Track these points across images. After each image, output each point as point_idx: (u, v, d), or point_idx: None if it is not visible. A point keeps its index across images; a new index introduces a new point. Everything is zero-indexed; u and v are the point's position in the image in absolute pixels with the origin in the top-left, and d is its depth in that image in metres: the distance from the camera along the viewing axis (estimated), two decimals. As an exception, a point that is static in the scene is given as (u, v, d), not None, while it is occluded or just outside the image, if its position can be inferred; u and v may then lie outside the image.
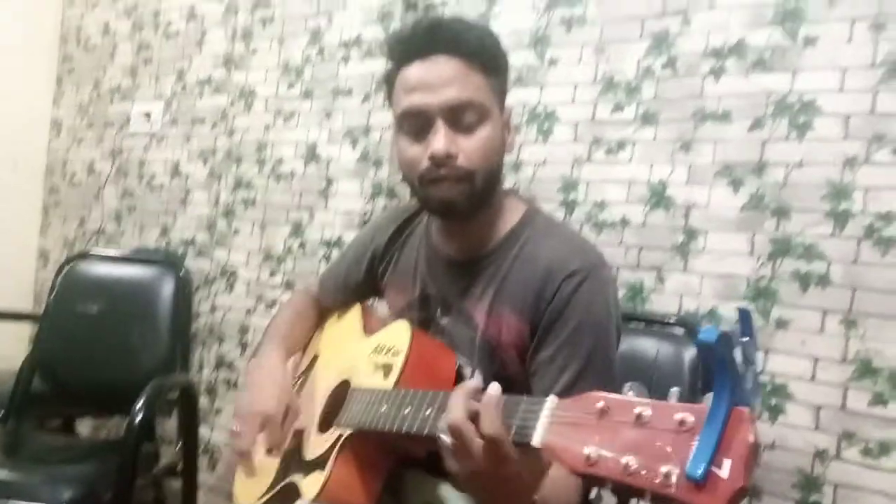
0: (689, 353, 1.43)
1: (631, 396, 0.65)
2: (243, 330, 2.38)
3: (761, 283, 1.53)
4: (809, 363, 1.48)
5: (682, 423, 0.59)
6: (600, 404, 0.66)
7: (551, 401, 0.71)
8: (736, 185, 1.58)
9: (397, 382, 1.04)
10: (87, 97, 2.99)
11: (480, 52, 1.03)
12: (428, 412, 0.92)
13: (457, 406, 0.77)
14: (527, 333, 1.05)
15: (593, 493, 0.64)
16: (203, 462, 2.43)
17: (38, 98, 3.08)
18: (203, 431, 2.39)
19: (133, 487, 1.65)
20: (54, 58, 3.10)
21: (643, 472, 0.59)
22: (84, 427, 2.76)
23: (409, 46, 1.05)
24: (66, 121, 3.07)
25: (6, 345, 2.32)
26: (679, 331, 1.54)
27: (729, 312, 1.56)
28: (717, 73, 1.61)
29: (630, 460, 0.60)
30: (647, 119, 1.69)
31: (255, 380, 1.25)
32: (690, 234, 1.63)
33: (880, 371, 1.40)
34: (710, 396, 0.58)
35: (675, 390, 0.63)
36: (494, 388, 0.76)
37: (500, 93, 1.07)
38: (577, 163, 1.79)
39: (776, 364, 1.51)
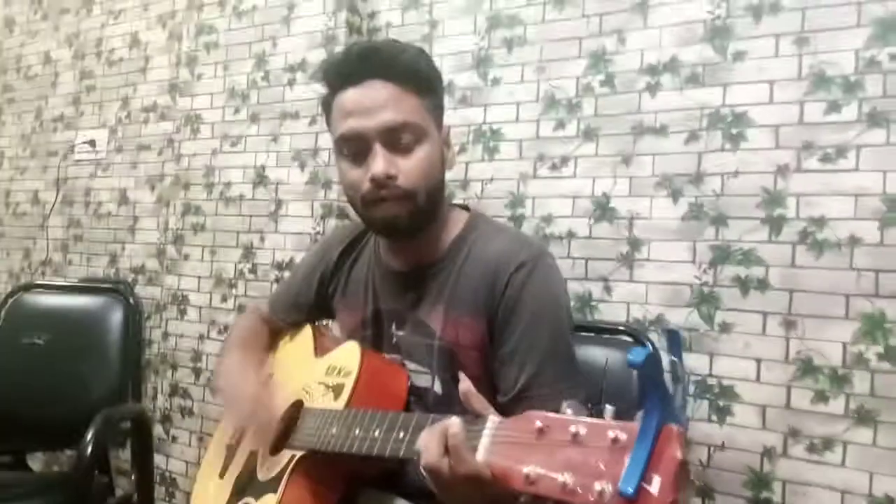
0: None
1: (568, 415, 0.67)
2: (197, 356, 2.35)
3: (704, 290, 1.58)
4: (754, 364, 1.53)
5: (615, 440, 0.61)
6: (538, 423, 0.68)
7: (492, 421, 0.74)
8: (675, 195, 1.62)
9: (348, 403, 1.06)
10: (30, 127, 2.94)
11: (413, 75, 1.06)
12: (376, 433, 0.94)
13: (430, 448, 0.78)
14: (484, 331, 1.08)
15: (533, 511, 0.66)
16: (160, 491, 2.39)
17: (-22, 129, 3.01)
18: (159, 460, 2.35)
19: (87, 524, 1.62)
20: (-7, 89, 3.04)
21: (579, 490, 0.61)
22: (36, 462, 2.69)
23: (343, 72, 1.08)
24: (8, 151, 3.01)
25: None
26: (627, 339, 1.57)
27: (675, 318, 1.61)
28: (653, 88, 1.66)
29: (567, 478, 0.63)
30: (589, 135, 1.74)
31: (229, 378, 1.26)
32: (634, 244, 1.67)
33: (820, 369, 1.46)
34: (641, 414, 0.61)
35: (609, 408, 0.65)
36: (455, 424, 0.76)
37: (436, 111, 1.10)
38: (522, 179, 1.82)
39: (722, 367, 1.55)
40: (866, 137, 1.44)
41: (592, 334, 1.59)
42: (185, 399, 2.35)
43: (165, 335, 2.46)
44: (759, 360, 1.52)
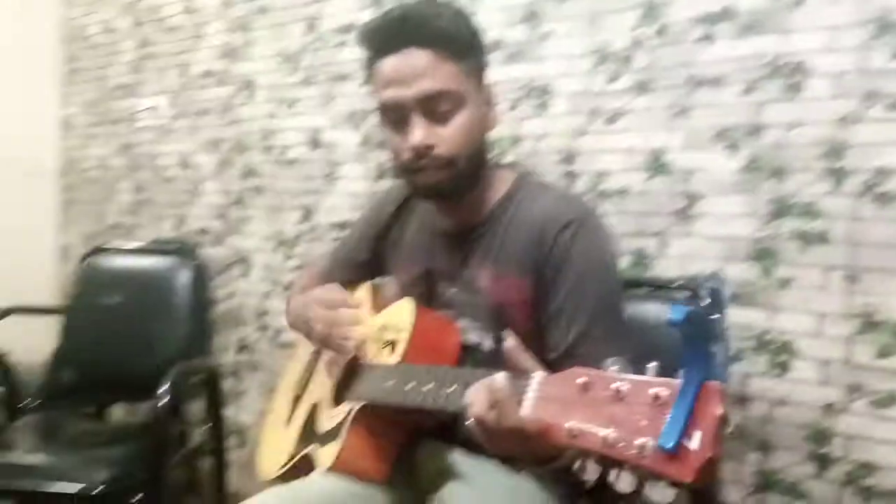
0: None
1: (612, 372, 0.68)
2: (261, 314, 2.44)
3: (763, 244, 1.55)
4: (814, 319, 1.50)
5: (656, 397, 0.63)
6: (582, 380, 0.69)
7: (537, 377, 0.76)
8: (733, 148, 1.59)
9: (402, 358, 1.09)
10: (95, 95, 3.04)
11: (451, 40, 1.06)
12: (429, 387, 0.97)
13: (479, 401, 0.81)
14: (532, 288, 1.09)
15: (577, 464, 0.68)
16: (232, 441, 2.51)
17: (46, 99, 3.13)
18: (230, 412, 2.46)
19: (164, 467, 1.72)
20: (58, 58, 3.15)
21: (620, 445, 0.63)
22: (117, 413, 2.85)
23: (381, 40, 1.08)
24: (77, 119, 3.12)
25: (36, 339, 2.40)
26: (683, 295, 1.56)
27: (733, 273, 1.58)
28: (708, 38, 1.61)
29: (609, 433, 0.64)
30: (642, 88, 1.70)
31: (305, 303, 1.29)
32: (691, 198, 1.64)
33: (884, 324, 1.42)
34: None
35: (652, 365, 0.67)
36: (501, 379, 0.79)
37: (476, 73, 1.11)
38: (574, 135, 1.80)
39: (781, 322, 1.53)
40: (936, 83, 1.37)
41: (647, 290, 1.58)
42: (252, 354, 2.45)
43: (231, 294, 2.55)
44: (819, 315, 1.49)
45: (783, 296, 1.53)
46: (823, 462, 1.48)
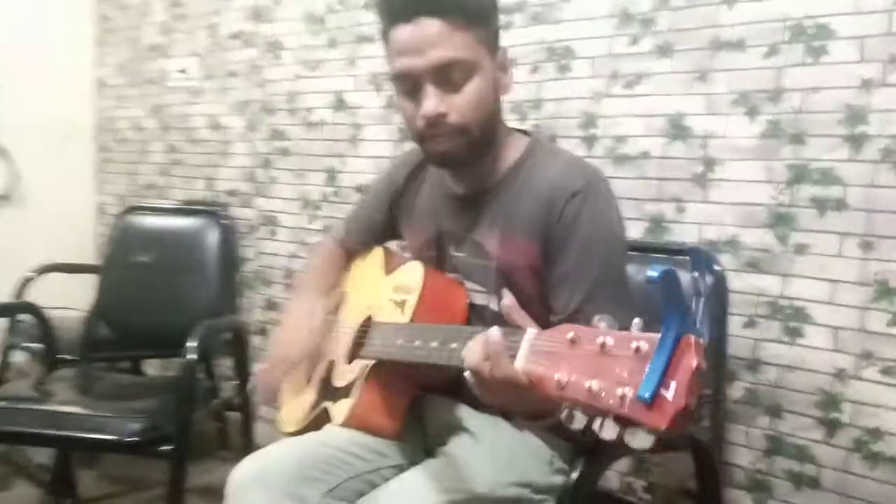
0: (706, 280, 1.47)
1: (598, 326, 0.71)
2: (288, 274, 2.50)
3: (780, 210, 1.55)
4: (828, 286, 1.50)
5: (637, 350, 0.65)
6: (570, 334, 0.72)
7: (529, 332, 0.78)
8: (752, 113, 1.58)
9: (412, 318, 1.13)
10: (127, 56, 3.09)
11: (463, 8, 1.06)
12: (434, 344, 1.00)
13: (474, 353, 0.85)
14: (539, 253, 1.12)
15: (564, 413, 0.71)
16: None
17: (82, 60, 3.19)
18: (256, 371, 2.53)
19: (191, 419, 1.79)
20: (92, 19, 3.20)
21: (603, 395, 0.66)
22: (152, 368, 2.96)
23: (394, 9, 1.10)
24: (110, 80, 3.18)
25: (74, 296, 2.49)
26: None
27: (749, 239, 1.59)
28: (730, 0, 1.60)
29: (593, 384, 0.67)
30: (664, 51, 1.70)
31: (287, 321, 1.36)
32: (709, 163, 1.64)
33: (898, 292, 1.42)
34: (665, 326, 0.64)
35: (637, 321, 0.69)
36: (495, 333, 0.83)
37: (489, 39, 1.11)
38: (595, 98, 1.80)
39: (795, 288, 1.54)
40: (961, 47, 1.35)
41: (662, 255, 1.60)
42: (279, 312, 2.51)
43: (259, 254, 2.61)
44: (833, 282, 1.49)
45: (798, 262, 1.53)
46: (832, 427, 1.50)
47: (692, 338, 0.62)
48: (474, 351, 0.84)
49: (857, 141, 1.46)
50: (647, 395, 0.61)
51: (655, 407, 0.61)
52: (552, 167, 1.14)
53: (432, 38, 1.06)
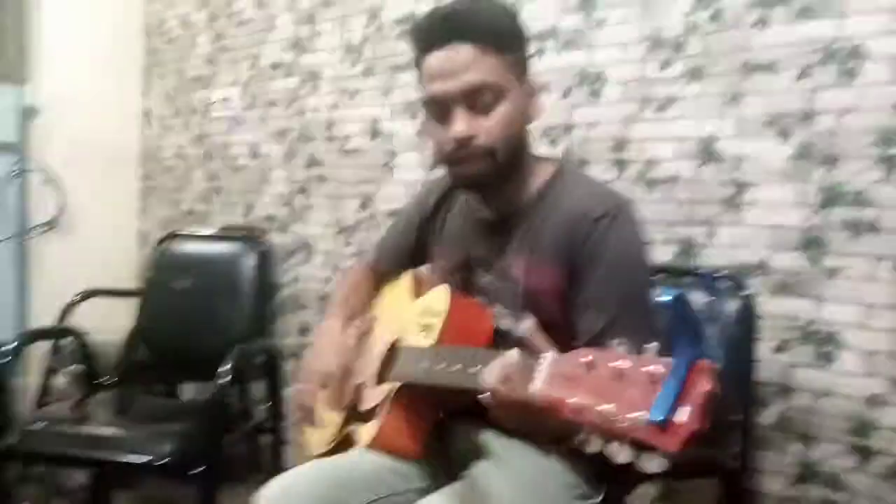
0: (734, 305, 1.46)
1: (615, 350, 0.72)
2: (323, 298, 2.53)
3: (812, 233, 1.53)
4: (861, 310, 1.48)
5: (651, 374, 0.66)
6: (587, 358, 0.73)
7: (548, 356, 0.79)
8: (784, 135, 1.57)
9: (437, 341, 1.15)
10: (173, 86, 3.19)
11: (493, 34, 1.09)
12: (457, 367, 1.02)
13: (491, 374, 0.87)
14: (564, 278, 1.13)
15: (581, 437, 0.71)
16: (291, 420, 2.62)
17: (130, 91, 3.30)
18: (291, 392, 2.57)
19: (222, 442, 1.82)
20: (141, 51, 3.32)
21: (617, 418, 0.66)
22: (187, 392, 3.01)
23: (427, 36, 1.13)
24: (156, 110, 3.29)
25: (117, 319, 2.56)
26: (727, 283, 1.55)
27: (781, 262, 1.57)
28: (762, 23, 1.60)
29: (607, 408, 0.68)
30: (695, 74, 1.70)
31: (318, 344, 1.39)
32: (740, 186, 1.63)
33: (935, 316, 1.39)
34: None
35: (652, 345, 0.69)
36: (513, 355, 0.85)
37: (519, 66, 1.14)
38: (627, 122, 1.81)
39: (827, 312, 1.51)
40: None
41: (691, 279, 1.59)
42: (312, 336, 2.54)
43: (295, 279, 2.65)
44: (867, 306, 1.47)
45: (830, 286, 1.51)
46: (865, 454, 1.46)
47: (706, 362, 0.63)
48: (492, 373, 0.85)
49: (890, 162, 1.44)
50: (660, 418, 0.62)
51: (669, 430, 0.62)
52: (578, 192, 1.15)
53: (463, 62, 1.09)
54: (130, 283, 3.04)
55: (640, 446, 0.65)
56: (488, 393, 0.86)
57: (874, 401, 1.45)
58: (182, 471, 1.77)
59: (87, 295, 2.48)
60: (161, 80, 3.26)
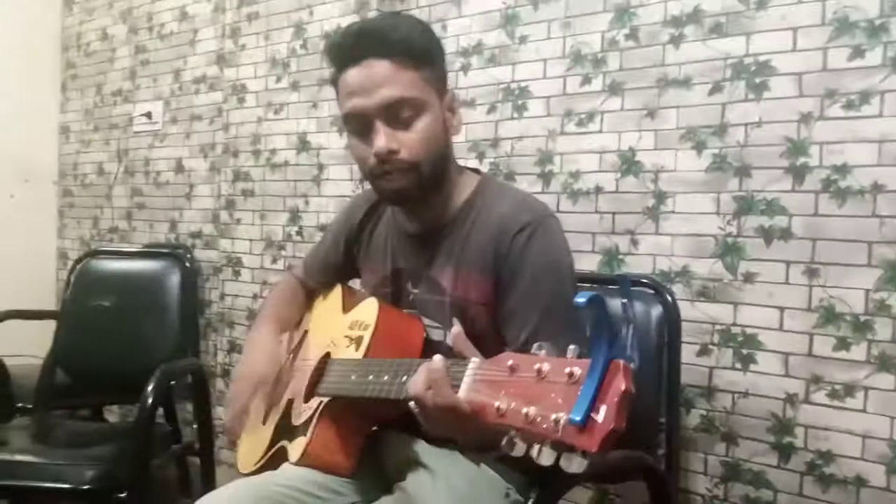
0: (657, 311, 1.51)
1: (536, 354, 0.73)
2: (251, 315, 2.49)
3: (728, 240, 1.60)
4: (777, 313, 1.54)
5: (571, 375, 0.67)
6: (510, 362, 0.74)
7: (473, 361, 0.80)
8: (699, 147, 1.63)
9: (366, 353, 1.14)
10: (92, 101, 3.11)
11: (409, 49, 1.10)
12: (386, 378, 1.02)
13: (416, 381, 0.88)
14: (491, 289, 1.14)
15: (505, 440, 0.72)
16: (223, 440, 2.56)
17: (46, 106, 3.20)
18: (221, 411, 2.51)
19: (148, 465, 1.76)
20: (57, 66, 3.22)
21: (539, 420, 0.68)
22: (113, 415, 2.91)
23: (344, 53, 1.13)
24: (74, 126, 3.19)
25: (34, 342, 2.46)
26: (649, 291, 1.60)
27: (700, 269, 1.63)
28: (676, 40, 1.66)
29: (530, 410, 0.69)
30: (614, 89, 1.75)
31: (247, 352, 1.37)
32: (660, 197, 1.69)
33: (842, 316, 1.46)
34: (598, 351, 0.66)
35: (572, 347, 0.71)
36: (437, 362, 0.85)
37: (437, 81, 1.15)
38: (551, 136, 1.85)
39: (746, 316, 1.57)
40: (890, 82, 1.41)
41: (616, 287, 1.62)
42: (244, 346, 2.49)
43: (223, 296, 2.60)
44: (782, 309, 1.53)
45: (748, 291, 1.57)
46: (786, 452, 1.53)
47: (621, 362, 0.64)
48: (417, 380, 0.86)
49: (798, 172, 1.51)
50: (578, 418, 0.64)
51: (587, 430, 0.64)
52: (501, 204, 1.17)
53: (381, 78, 1.09)
54: (50, 304, 2.93)
55: (562, 447, 0.66)
56: (412, 401, 0.86)
57: (792, 400, 1.52)
58: (106, 496, 1.70)
59: (4, 317, 2.38)
60: (79, 94, 3.16)
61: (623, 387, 0.63)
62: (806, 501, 1.50)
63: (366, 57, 1.10)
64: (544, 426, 0.67)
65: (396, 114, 1.10)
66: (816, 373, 1.49)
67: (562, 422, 0.65)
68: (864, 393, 1.44)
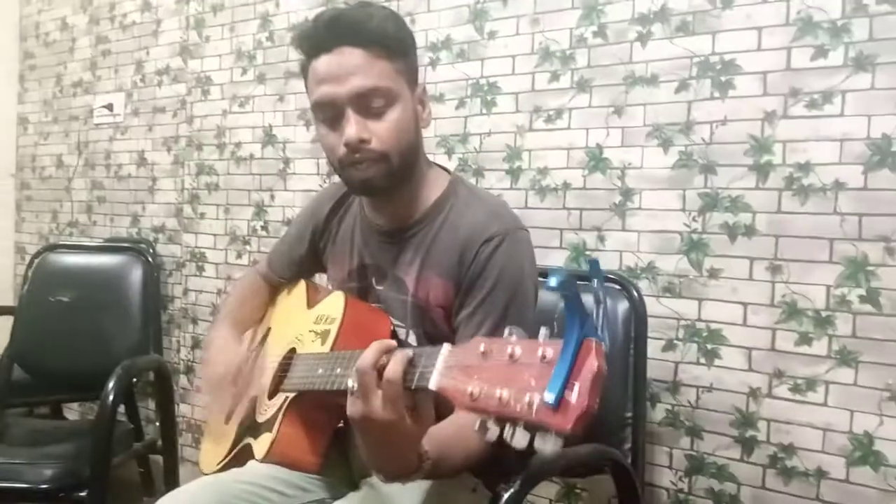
0: (623, 306, 1.52)
1: (508, 338, 0.73)
2: (216, 311, 2.45)
3: (693, 237, 1.62)
4: (740, 308, 1.56)
5: (543, 356, 0.67)
6: (482, 347, 0.73)
7: (445, 348, 0.79)
8: (666, 144, 1.65)
9: (332, 347, 1.13)
10: (51, 92, 3.04)
11: (381, 39, 1.09)
12: (354, 370, 1.00)
13: (368, 355, 0.85)
14: (452, 294, 1.13)
15: (476, 425, 0.72)
16: (187, 437, 2.52)
17: (3, 97, 3.12)
18: (185, 409, 2.47)
19: (108, 464, 1.73)
20: (15, 56, 3.14)
21: (512, 402, 0.67)
22: (73, 413, 2.85)
23: (315, 40, 1.11)
24: (32, 117, 3.11)
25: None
26: (616, 287, 1.61)
27: (665, 265, 1.65)
28: (644, 38, 1.68)
29: (503, 393, 0.68)
30: (582, 86, 1.76)
31: (206, 354, 1.34)
32: (626, 194, 1.70)
33: (804, 312, 1.49)
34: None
35: (544, 330, 0.71)
36: (407, 353, 0.84)
37: (409, 72, 1.14)
38: (519, 131, 1.86)
39: (710, 311, 1.59)
40: (852, 82, 1.45)
41: (584, 283, 1.63)
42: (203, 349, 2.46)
43: (186, 291, 2.56)
44: (745, 305, 1.56)
45: (712, 286, 1.59)
46: (749, 445, 1.55)
47: (593, 341, 0.64)
48: (367, 353, 0.85)
49: (762, 170, 1.54)
50: (552, 399, 0.63)
51: (560, 410, 0.63)
52: (472, 211, 1.16)
53: (353, 66, 1.08)
54: (7, 299, 2.85)
55: (535, 428, 0.66)
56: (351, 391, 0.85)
57: (755, 394, 1.54)
58: (66, 496, 1.66)
59: (-45, 313, 2.31)
60: (38, 85, 3.09)
61: (596, 366, 0.63)
62: (768, 494, 1.53)
63: (338, 45, 1.08)
64: (518, 408, 0.66)
65: (368, 103, 1.09)
66: (779, 367, 1.52)
67: (535, 403, 0.65)
68: (824, 387, 1.47)
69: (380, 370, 0.83)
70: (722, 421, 1.58)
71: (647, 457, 1.60)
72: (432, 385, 0.78)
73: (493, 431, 0.71)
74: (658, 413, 1.65)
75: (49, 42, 3.04)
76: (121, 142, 2.78)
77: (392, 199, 1.18)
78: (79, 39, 2.93)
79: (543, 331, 0.71)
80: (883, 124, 1.42)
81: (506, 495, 1.12)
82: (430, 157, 1.25)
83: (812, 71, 1.48)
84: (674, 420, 1.64)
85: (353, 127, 1.08)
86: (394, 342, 0.86)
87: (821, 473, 1.47)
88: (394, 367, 0.81)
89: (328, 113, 1.12)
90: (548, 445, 0.65)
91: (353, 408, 0.86)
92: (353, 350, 1.06)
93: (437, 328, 1.14)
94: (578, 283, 0.65)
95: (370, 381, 0.83)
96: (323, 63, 1.10)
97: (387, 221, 1.22)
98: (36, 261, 2.38)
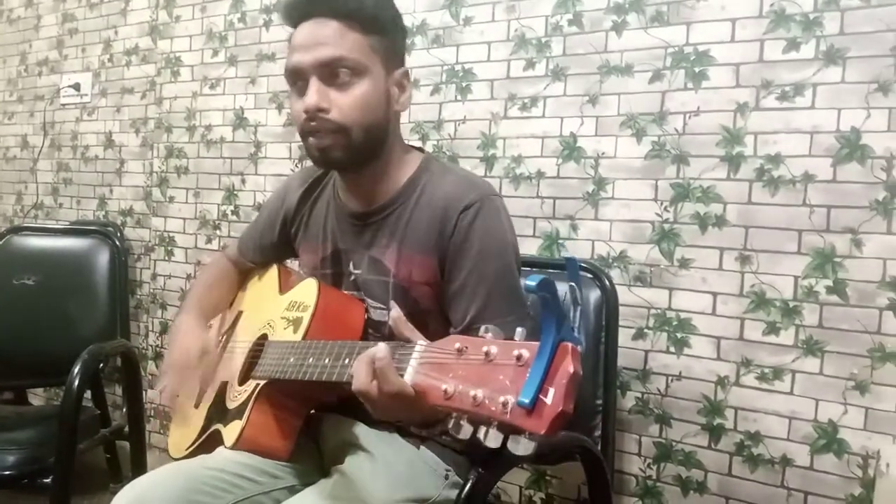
0: (595, 295, 1.53)
1: (484, 335, 0.73)
2: (184, 296, 2.42)
3: (665, 227, 1.63)
4: (710, 298, 1.58)
5: (519, 357, 0.67)
6: (457, 345, 0.74)
7: (419, 345, 0.80)
8: (639, 134, 1.66)
9: (305, 335, 1.12)
10: (15, 71, 2.96)
11: (359, 13, 1.09)
12: (327, 361, 1.00)
13: (360, 373, 0.86)
14: (436, 268, 1.13)
15: (451, 423, 0.72)
16: (155, 424, 2.50)
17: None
18: (153, 395, 2.44)
19: (74, 450, 1.71)
20: (-23, 32, 3.05)
21: (487, 402, 0.67)
22: (38, 398, 2.80)
23: (296, 10, 1.12)
24: (-5, 95, 3.03)
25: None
26: (588, 276, 1.62)
27: (637, 254, 1.66)
28: (619, 27, 1.68)
29: (478, 393, 0.69)
30: (557, 74, 1.76)
31: (172, 340, 1.33)
32: (600, 183, 1.71)
33: (772, 302, 1.51)
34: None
35: (520, 330, 0.71)
36: (382, 349, 0.84)
37: (386, 51, 1.13)
38: (494, 119, 1.85)
39: (681, 301, 1.61)
40: (823, 75, 1.46)
41: (556, 271, 1.64)
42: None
43: (154, 276, 2.53)
44: (715, 294, 1.58)
45: (683, 276, 1.61)
46: (716, 433, 1.58)
47: (569, 345, 0.65)
48: (360, 371, 0.84)
49: (734, 161, 1.55)
50: (527, 401, 0.63)
51: (535, 413, 0.64)
52: (445, 183, 1.16)
53: (324, 36, 1.09)
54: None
55: (509, 429, 0.66)
56: (357, 390, 0.85)
57: (723, 383, 1.57)
58: (30, 482, 1.64)
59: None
60: (2, 63, 3.01)
61: (571, 369, 0.63)
62: (734, 481, 1.56)
63: (314, 15, 1.10)
64: (492, 408, 0.66)
65: (333, 73, 1.09)
66: (747, 356, 1.54)
67: (510, 404, 0.65)
68: (791, 376, 1.50)
69: (375, 377, 0.84)
70: (690, 409, 1.61)
71: (616, 444, 1.62)
72: (406, 381, 0.78)
73: (466, 429, 0.71)
74: (628, 401, 1.67)
75: (13, 19, 2.96)
76: (88, 123, 2.72)
77: (363, 178, 1.18)
78: (44, 17, 2.85)
79: (520, 330, 0.71)
80: (852, 118, 1.43)
81: (475, 481, 1.13)
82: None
83: (784, 63, 1.50)
84: (643, 408, 1.66)
85: (312, 95, 1.08)
86: (383, 353, 0.85)
87: (786, 461, 1.50)
88: (387, 380, 0.82)
89: (296, 80, 1.12)
90: (520, 448, 0.66)
91: (374, 412, 0.89)
92: (326, 341, 1.06)
93: (420, 307, 1.13)
94: (550, 270, 0.66)
95: (374, 393, 0.85)
96: (299, 32, 1.12)
97: (360, 204, 1.21)
98: (0, 244, 2.32)
